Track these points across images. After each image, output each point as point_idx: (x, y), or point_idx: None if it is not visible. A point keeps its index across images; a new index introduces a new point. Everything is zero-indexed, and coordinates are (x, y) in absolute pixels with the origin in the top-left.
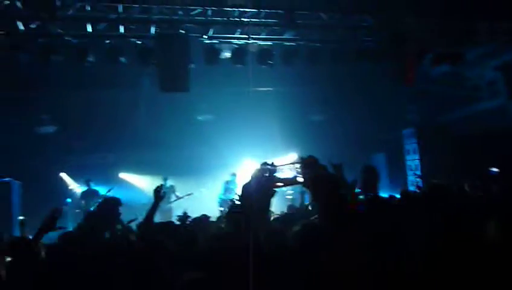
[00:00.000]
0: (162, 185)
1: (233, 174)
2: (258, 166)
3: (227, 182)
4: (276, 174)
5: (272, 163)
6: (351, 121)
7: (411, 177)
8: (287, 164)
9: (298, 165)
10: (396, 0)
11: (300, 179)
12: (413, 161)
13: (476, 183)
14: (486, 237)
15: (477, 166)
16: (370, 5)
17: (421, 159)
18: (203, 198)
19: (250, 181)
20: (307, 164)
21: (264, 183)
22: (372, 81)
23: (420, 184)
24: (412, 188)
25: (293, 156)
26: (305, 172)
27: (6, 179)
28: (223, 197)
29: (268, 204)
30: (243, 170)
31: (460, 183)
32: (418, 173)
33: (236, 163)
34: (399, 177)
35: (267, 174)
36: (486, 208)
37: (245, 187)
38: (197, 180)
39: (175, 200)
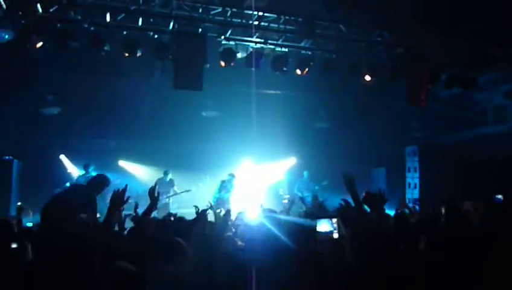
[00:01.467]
0: (156, 184)
1: (232, 175)
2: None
3: (223, 182)
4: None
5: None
6: (354, 132)
7: (409, 195)
8: (327, 217)
9: (335, 220)
10: (414, 20)
11: (335, 235)
12: (413, 179)
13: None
14: None
15: (476, 192)
16: (388, 22)
17: (420, 178)
18: (200, 194)
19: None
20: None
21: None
22: (381, 94)
23: (417, 208)
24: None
25: (293, 160)
26: (342, 228)
27: (7, 157)
28: (218, 196)
29: None
30: (242, 169)
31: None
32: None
33: (236, 162)
34: (397, 194)
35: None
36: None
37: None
38: (195, 175)
39: (172, 195)
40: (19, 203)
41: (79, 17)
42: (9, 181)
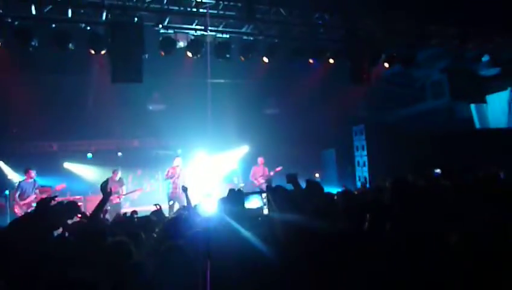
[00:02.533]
0: (107, 179)
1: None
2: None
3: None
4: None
5: (239, 189)
6: (303, 115)
7: (359, 173)
8: (256, 192)
9: (265, 195)
10: (353, 1)
11: (265, 211)
12: (361, 157)
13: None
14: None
15: (421, 165)
16: (329, 3)
17: (368, 156)
18: (153, 190)
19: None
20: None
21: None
22: (326, 76)
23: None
24: (358, 183)
25: (245, 148)
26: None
27: None
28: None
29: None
30: (196, 162)
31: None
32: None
33: (189, 155)
34: (347, 172)
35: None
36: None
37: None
38: (146, 172)
39: (124, 194)
40: None
41: (0, 11)
42: None
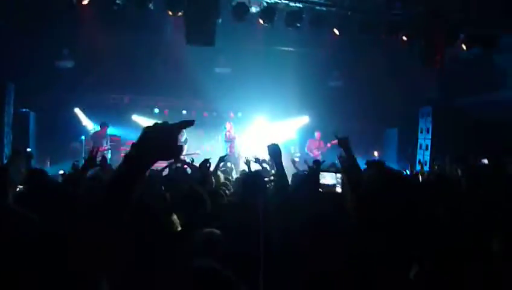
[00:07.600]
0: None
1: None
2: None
3: None
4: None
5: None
6: (368, 91)
7: (420, 156)
8: (330, 171)
9: (340, 175)
10: None
11: (338, 189)
12: (424, 140)
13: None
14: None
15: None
16: None
17: (432, 139)
18: (214, 151)
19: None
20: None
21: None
22: (396, 53)
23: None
24: (418, 167)
25: (305, 118)
26: (346, 182)
27: (24, 109)
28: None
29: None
30: (255, 127)
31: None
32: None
33: (249, 119)
34: (407, 154)
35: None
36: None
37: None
38: (208, 133)
39: (185, 154)
40: (28, 150)
41: None
42: (26, 133)
